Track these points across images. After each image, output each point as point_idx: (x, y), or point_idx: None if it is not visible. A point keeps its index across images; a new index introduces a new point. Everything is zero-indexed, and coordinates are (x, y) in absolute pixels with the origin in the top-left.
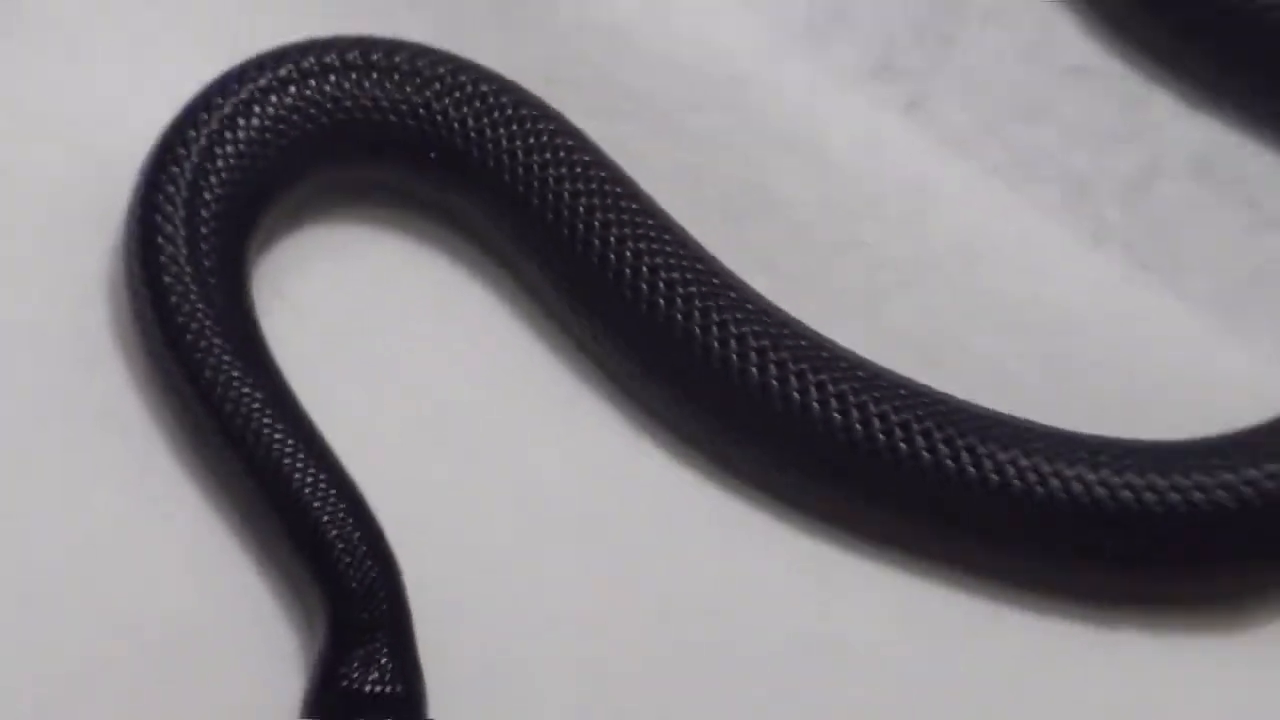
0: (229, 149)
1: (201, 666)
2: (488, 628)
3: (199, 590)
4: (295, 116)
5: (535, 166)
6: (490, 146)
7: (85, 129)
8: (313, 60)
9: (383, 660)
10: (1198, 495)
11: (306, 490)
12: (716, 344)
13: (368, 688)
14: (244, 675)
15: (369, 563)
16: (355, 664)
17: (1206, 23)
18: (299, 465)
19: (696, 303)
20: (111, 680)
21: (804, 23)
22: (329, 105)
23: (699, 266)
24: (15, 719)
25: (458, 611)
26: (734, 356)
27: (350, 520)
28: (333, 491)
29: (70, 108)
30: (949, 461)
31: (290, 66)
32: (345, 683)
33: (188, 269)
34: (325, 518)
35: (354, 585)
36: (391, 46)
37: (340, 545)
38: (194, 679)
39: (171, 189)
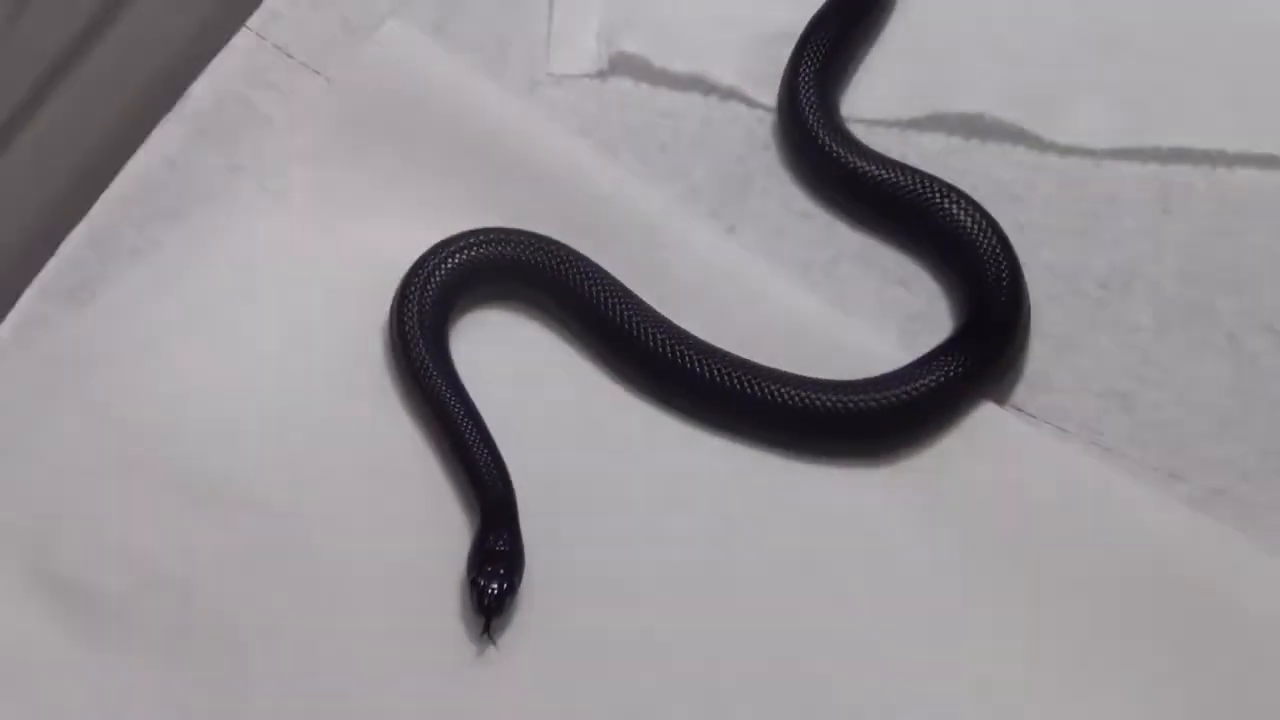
0: (439, 275)
1: (419, 531)
2: (551, 525)
3: (423, 498)
4: (470, 262)
5: (577, 277)
6: (559, 272)
7: (376, 257)
8: (480, 237)
9: (504, 534)
10: (864, 404)
11: (474, 447)
12: (654, 343)
13: (497, 547)
14: (440, 534)
15: (501, 485)
16: (490, 536)
17: (843, 186)
18: (470, 433)
19: (649, 327)
20: (371, 537)
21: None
22: (486, 257)
23: (644, 309)
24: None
25: (537, 517)
26: (660, 347)
27: (494, 464)
28: (486, 449)
29: (370, 245)
30: (748, 389)
31: (469, 239)
32: (485, 544)
33: (418, 333)
34: (482, 463)
35: (492, 496)
36: (513, 232)
37: (487, 477)
38: (414, 539)
39: (412, 293)
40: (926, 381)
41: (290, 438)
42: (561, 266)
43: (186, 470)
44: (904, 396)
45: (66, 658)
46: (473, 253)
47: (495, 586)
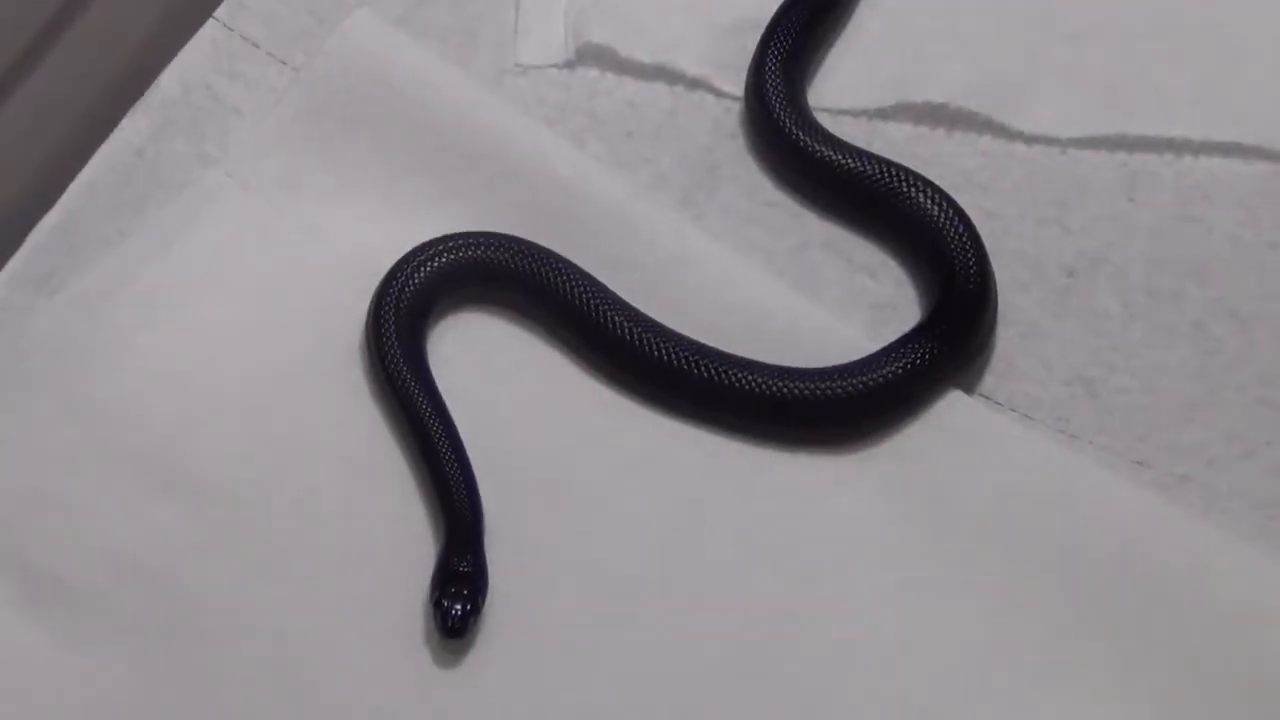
0: (416, 279)
1: (388, 527)
2: (518, 541)
3: (393, 495)
4: (448, 265)
5: (552, 276)
6: (536, 274)
7: (347, 248)
8: (458, 241)
9: (467, 556)
10: (830, 391)
11: (445, 467)
12: (626, 334)
13: (461, 568)
14: (410, 531)
15: (468, 504)
16: (454, 556)
17: (810, 174)
18: (440, 444)
19: (618, 318)
20: (339, 541)
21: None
22: (464, 260)
23: (617, 301)
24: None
25: (502, 534)
26: (630, 336)
27: (464, 484)
28: (458, 468)
29: (340, 236)
30: (716, 377)
31: (448, 243)
32: (449, 565)
33: (394, 334)
34: (452, 484)
35: (459, 518)
36: (493, 235)
37: (456, 499)
38: (383, 534)
39: (390, 296)
40: (893, 369)
41: (261, 430)
42: (535, 267)
43: (157, 460)
44: (871, 384)
45: (36, 648)
46: (447, 258)
47: (459, 608)
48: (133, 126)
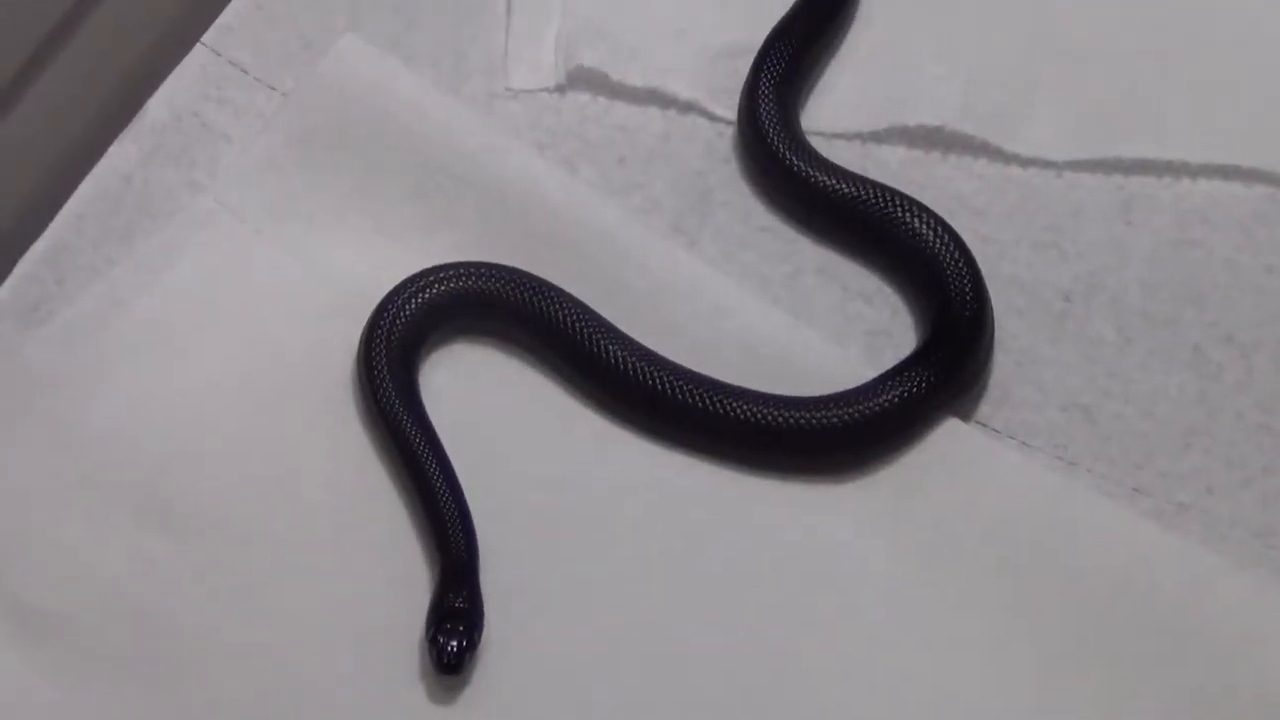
0: (407, 310)
1: (380, 562)
2: (513, 574)
3: (387, 529)
4: (440, 296)
5: (545, 306)
6: (529, 303)
7: (337, 276)
8: (449, 272)
9: (463, 591)
10: (827, 420)
11: (440, 502)
12: (616, 360)
13: (456, 604)
14: (403, 566)
15: (463, 540)
16: (449, 592)
17: (804, 199)
18: (434, 478)
19: (611, 346)
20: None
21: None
22: (455, 292)
23: (610, 329)
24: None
25: (496, 567)
26: (624, 364)
27: (459, 519)
28: (453, 503)
29: (331, 264)
30: (711, 406)
31: (443, 272)
32: (445, 602)
33: (386, 368)
34: (447, 518)
35: (454, 553)
36: (485, 265)
37: (450, 534)
38: (375, 570)
39: (380, 329)
40: (890, 397)
41: (252, 462)
42: (528, 297)
43: (147, 492)
44: (867, 413)
45: (25, 682)
46: (439, 289)
47: (455, 645)
48: (121, 154)
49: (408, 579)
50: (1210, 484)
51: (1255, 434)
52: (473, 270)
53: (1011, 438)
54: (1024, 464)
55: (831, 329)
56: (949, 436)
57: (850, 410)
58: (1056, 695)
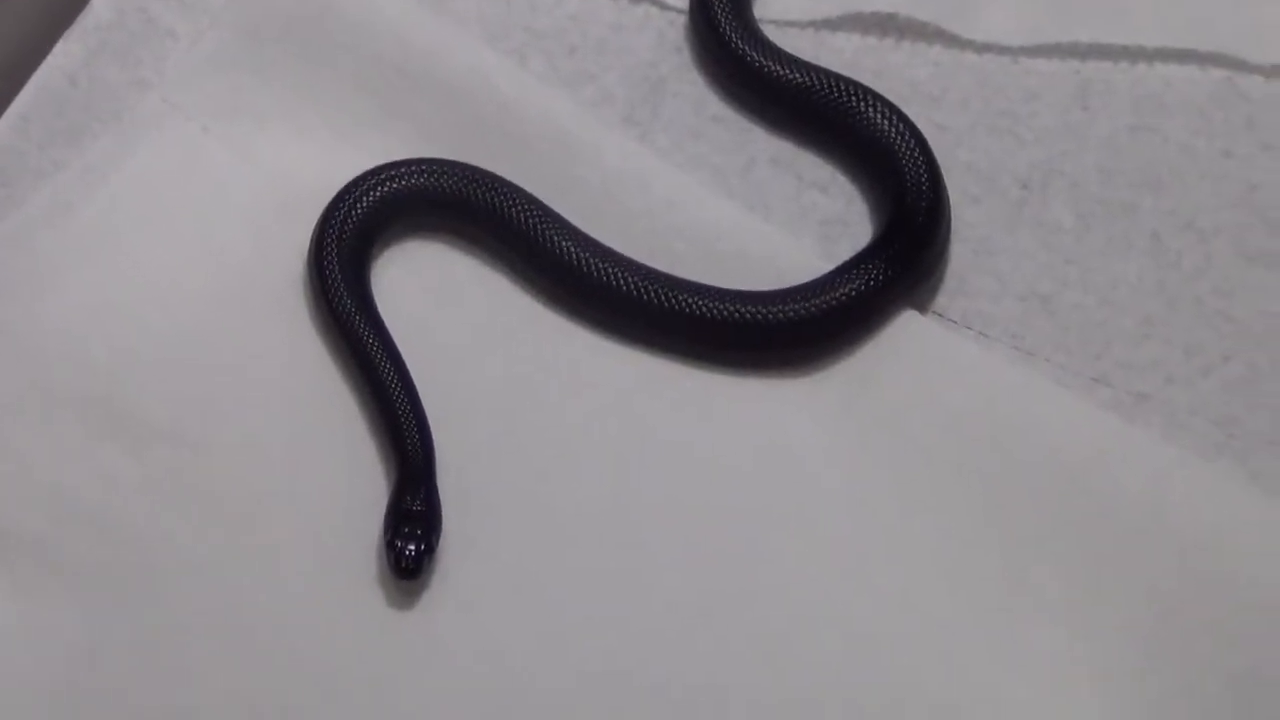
0: (359, 208)
1: (336, 465)
2: (470, 475)
3: (341, 434)
4: (394, 192)
5: (498, 201)
6: (481, 199)
7: (288, 175)
8: (400, 169)
9: (420, 494)
10: (783, 315)
11: (391, 396)
12: (570, 256)
13: (414, 507)
14: (359, 469)
15: (419, 441)
16: (406, 495)
17: (757, 89)
18: (388, 379)
19: (565, 242)
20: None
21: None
22: (407, 189)
23: (563, 225)
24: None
25: (453, 469)
26: (577, 261)
27: (414, 421)
28: (408, 405)
29: (281, 163)
30: (665, 302)
31: (394, 169)
32: (402, 504)
33: (337, 268)
34: (402, 420)
35: (409, 455)
36: (437, 162)
37: (406, 436)
38: (331, 473)
39: (331, 228)
40: (846, 291)
41: (205, 366)
42: (480, 193)
43: (99, 401)
44: (824, 307)
45: None
46: (390, 186)
47: (412, 548)
48: (65, 53)
49: (364, 483)
50: (1170, 373)
51: (1214, 321)
52: (424, 167)
53: (969, 328)
54: (982, 356)
55: (786, 219)
56: (906, 329)
57: (806, 305)
58: (1015, 590)
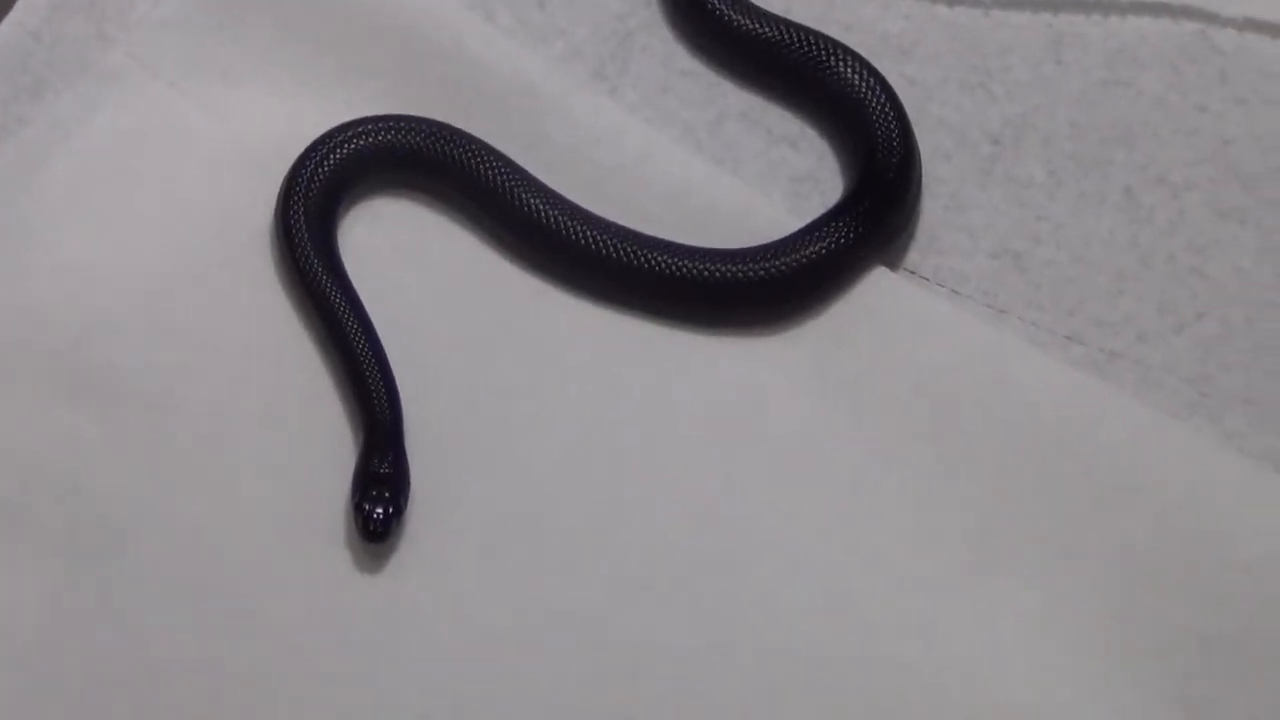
0: (325, 166)
1: (304, 427)
2: (439, 437)
3: (309, 393)
4: (362, 149)
5: (466, 159)
6: (449, 156)
7: (255, 131)
8: (368, 126)
9: (388, 456)
10: (753, 273)
11: (358, 356)
12: (539, 214)
13: (381, 469)
14: (327, 431)
15: (387, 403)
16: (374, 458)
17: (727, 43)
18: (356, 339)
19: (534, 200)
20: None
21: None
22: (379, 143)
23: (532, 182)
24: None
25: (422, 430)
26: (546, 218)
27: (382, 382)
28: (374, 359)
29: (248, 118)
30: (635, 260)
31: (361, 126)
32: (370, 467)
33: (304, 226)
34: (370, 382)
35: (377, 417)
36: (404, 118)
37: (374, 397)
38: (299, 435)
39: (299, 181)
40: (817, 249)
41: (170, 326)
42: (448, 150)
43: (65, 362)
44: (794, 264)
45: None
46: (358, 143)
47: (380, 511)
48: (28, 8)
49: (332, 444)
50: (1143, 330)
51: (1187, 278)
52: (392, 123)
53: (941, 285)
54: (954, 314)
55: (756, 175)
56: (877, 286)
57: (777, 262)
58: (987, 551)
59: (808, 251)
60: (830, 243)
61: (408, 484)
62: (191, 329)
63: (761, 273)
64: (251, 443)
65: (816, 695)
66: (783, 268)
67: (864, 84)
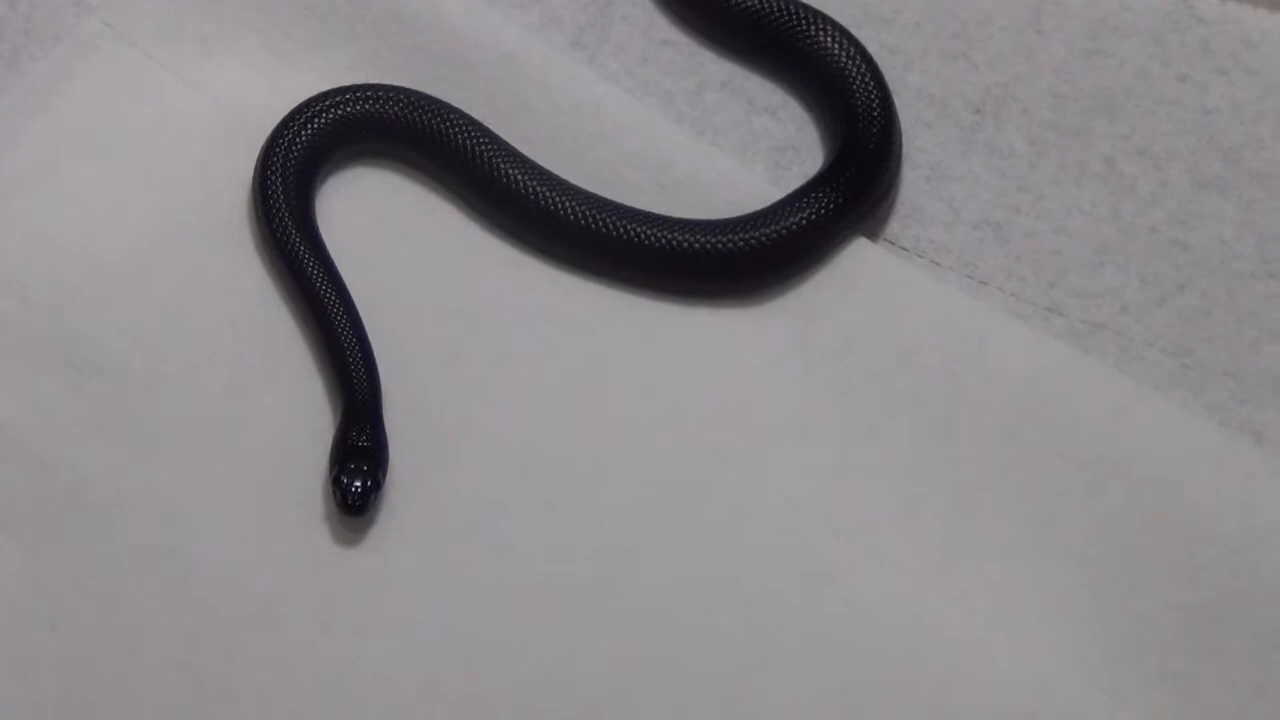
0: (303, 135)
1: (282, 399)
2: (416, 409)
3: (287, 366)
4: (339, 119)
5: (444, 129)
6: (428, 126)
7: (233, 101)
8: (346, 95)
9: (366, 429)
10: (734, 244)
11: (336, 328)
12: (517, 185)
13: (360, 442)
14: (304, 403)
15: (365, 375)
16: (352, 431)
17: (707, 12)
18: (333, 311)
19: (513, 170)
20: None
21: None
22: (356, 113)
23: (511, 152)
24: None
25: (400, 402)
26: (525, 189)
27: (360, 355)
28: (352, 331)
29: (225, 88)
30: (614, 231)
31: (339, 96)
32: (348, 440)
33: (282, 197)
34: (349, 354)
35: (355, 390)
36: (382, 87)
37: (351, 366)
38: (276, 407)
39: (277, 151)
40: (797, 220)
41: (146, 298)
42: (426, 120)
43: (39, 333)
44: (774, 235)
45: None
46: (335, 113)
47: (359, 485)
48: None
49: (311, 417)
50: (1125, 303)
51: (1169, 249)
52: (370, 93)
53: (921, 256)
54: (935, 286)
55: (737, 145)
56: (857, 257)
57: (757, 234)
58: (969, 524)
59: (787, 223)
60: (810, 214)
61: (386, 457)
62: (168, 300)
63: (740, 244)
64: (228, 415)
65: (795, 665)
66: (762, 239)
67: (844, 53)
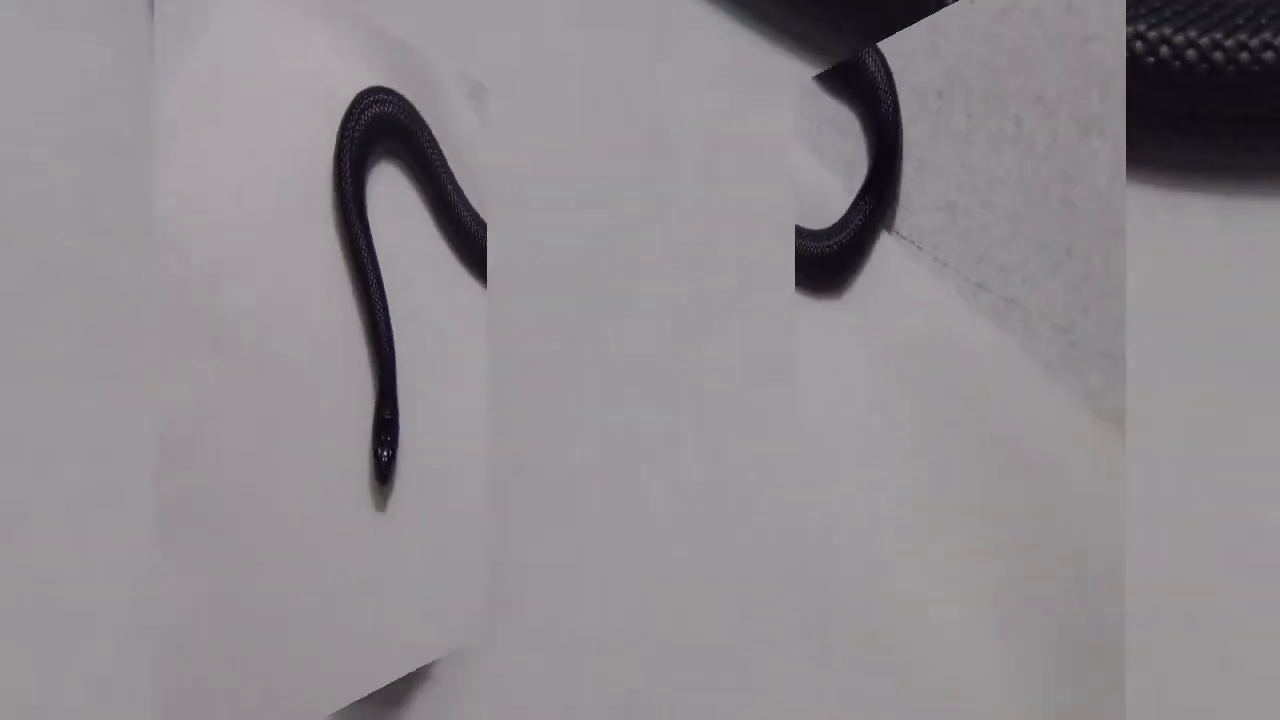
0: (363, 119)
1: (326, 391)
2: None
3: (337, 349)
4: (389, 112)
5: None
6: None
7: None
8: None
9: (390, 402)
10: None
11: (375, 310)
12: None
13: (385, 415)
14: (344, 399)
15: (389, 353)
16: (385, 405)
17: None
18: (375, 292)
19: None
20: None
21: None
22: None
23: None
24: None
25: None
26: None
27: (387, 328)
28: (384, 310)
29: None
30: None
31: (387, 92)
32: (381, 414)
33: (348, 172)
34: (380, 327)
35: (386, 367)
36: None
37: (385, 344)
38: (319, 400)
39: (346, 136)
40: (859, 219)
41: (245, 260)
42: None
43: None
44: (846, 239)
45: None
46: (390, 105)
47: (387, 454)
48: None
49: (349, 389)
50: (1028, 274)
51: (1058, 209)
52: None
53: (912, 243)
54: (925, 273)
55: None
56: (886, 253)
57: (840, 238)
58: (924, 509)
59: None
60: (866, 212)
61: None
62: (260, 273)
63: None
64: (301, 382)
65: (778, 622)
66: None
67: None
